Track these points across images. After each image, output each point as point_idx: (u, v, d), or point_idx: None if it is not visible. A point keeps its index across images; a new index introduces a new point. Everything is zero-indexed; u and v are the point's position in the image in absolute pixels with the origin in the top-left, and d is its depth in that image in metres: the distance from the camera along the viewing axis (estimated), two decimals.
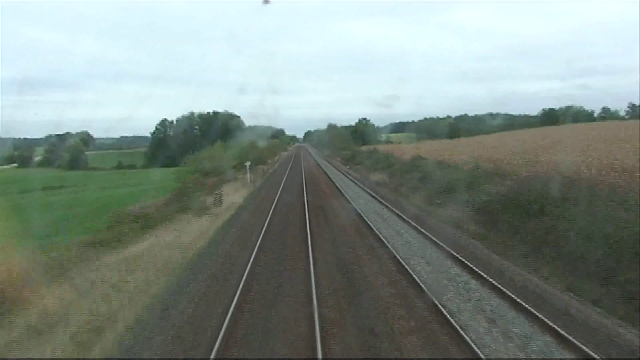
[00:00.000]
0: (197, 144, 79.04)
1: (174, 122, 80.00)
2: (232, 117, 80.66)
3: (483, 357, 7.20)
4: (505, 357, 7.47)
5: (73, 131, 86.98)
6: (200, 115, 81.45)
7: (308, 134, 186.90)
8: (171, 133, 79.39)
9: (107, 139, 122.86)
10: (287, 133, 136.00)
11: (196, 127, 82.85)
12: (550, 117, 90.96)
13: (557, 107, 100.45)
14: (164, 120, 79.22)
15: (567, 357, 7.46)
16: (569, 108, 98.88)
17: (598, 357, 7.26)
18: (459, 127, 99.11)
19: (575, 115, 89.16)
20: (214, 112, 79.84)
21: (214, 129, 79.10)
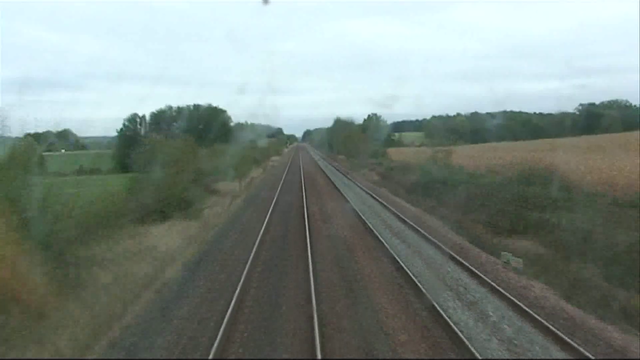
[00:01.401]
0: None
1: (146, 117, 65.77)
2: (217, 111, 66.81)
3: None
4: None
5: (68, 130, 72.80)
6: (179, 110, 67.36)
7: (307, 133, 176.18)
8: (142, 130, 65.12)
9: (103, 137, 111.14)
10: (286, 132, 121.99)
11: (174, 123, 68.69)
12: (592, 117, 76.80)
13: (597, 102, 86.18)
14: (134, 115, 65.26)
15: None
16: (612, 103, 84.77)
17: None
18: (484, 127, 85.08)
19: (623, 114, 75.09)
20: (194, 106, 65.97)
21: (194, 126, 65.34)
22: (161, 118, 66.86)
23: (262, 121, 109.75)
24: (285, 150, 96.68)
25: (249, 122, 74.99)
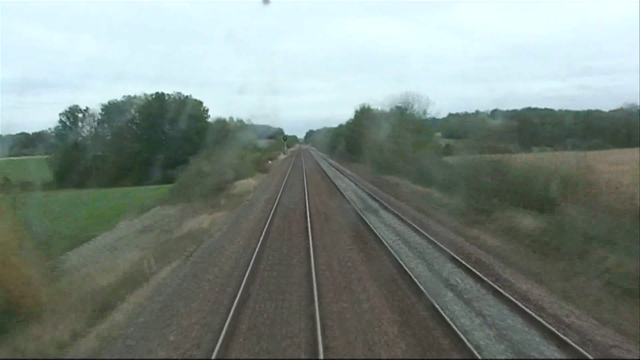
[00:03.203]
0: (132, 146, 47.86)
1: (91, 111, 47.68)
2: (188, 103, 48.45)
3: None
4: None
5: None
6: (134, 100, 49.38)
7: (310, 134, 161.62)
8: (85, 130, 47.14)
9: None
10: (287, 133, 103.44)
11: (136, 121, 50.58)
12: None
13: None
14: (74, 108, 47.15)
15: None
16: None
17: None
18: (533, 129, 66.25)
19: None
20: (156, 95, 47.70)
21: (156, 122, 47.37)
22: (113, 111, 48.67)
23: (261, 121, 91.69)
24: (282, 156, 69.48)
25: (235, 118, 56.64)
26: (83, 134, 47.95)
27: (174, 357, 6.94)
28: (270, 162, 47.94)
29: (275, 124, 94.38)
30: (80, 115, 48.36)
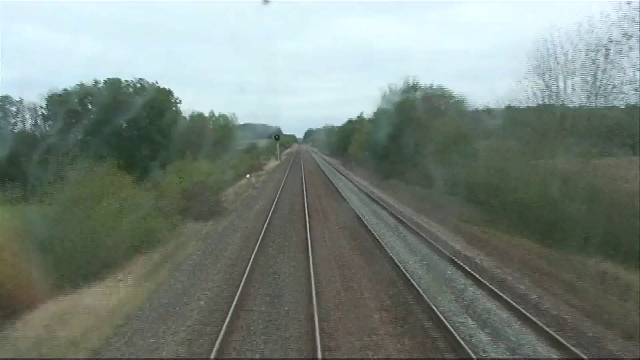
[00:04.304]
0: (72, 150, 36.56)
1: (25, 104, 37.22)
2: (148, 90, 37.65)
3: None
4: None
5: None
6: (92, 89, 38.93)
7: (309, 133, 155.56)
8: (18, 128, 36.73)
9: None
10: (285, 132, 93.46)
11: (91, 115, 40.08)
12: None
13: None
14: (3, 100, 36.68)
15: None
16: None
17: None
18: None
19: None
20: (109, 81, 36.95)
21: (108, 118, 36.85)
22: (58, 104, 38.16)
23: (260, 120, 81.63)
24: (274, 163, 54.41)
25: (217, 113, 45.79)
26: (15, 132, 37.35)
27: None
28: (248, 177, 34.62)
29: (274, 123, 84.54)
30: (13, 109, 37.77)
